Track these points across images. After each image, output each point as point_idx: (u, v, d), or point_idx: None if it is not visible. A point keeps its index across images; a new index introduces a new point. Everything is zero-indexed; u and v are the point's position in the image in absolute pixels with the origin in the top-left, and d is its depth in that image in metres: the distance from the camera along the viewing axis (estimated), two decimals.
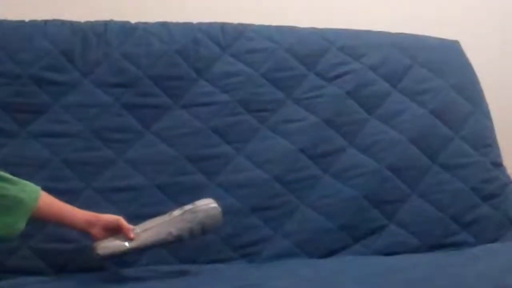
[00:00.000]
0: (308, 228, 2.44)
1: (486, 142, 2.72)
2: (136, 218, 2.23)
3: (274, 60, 2.62)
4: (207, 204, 2.12)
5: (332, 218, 2.46)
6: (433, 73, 2.76)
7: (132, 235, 2.03)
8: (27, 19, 2.48)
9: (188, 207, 2.11)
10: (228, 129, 2.48)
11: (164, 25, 2.58)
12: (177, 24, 2.60)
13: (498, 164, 2.71)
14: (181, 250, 2.26)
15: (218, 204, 2.14)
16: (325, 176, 2.51)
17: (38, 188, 1.99)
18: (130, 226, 2.06)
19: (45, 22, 2.47)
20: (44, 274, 2.16)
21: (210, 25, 2.64)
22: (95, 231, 2.04)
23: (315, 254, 2.41)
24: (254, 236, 2.39)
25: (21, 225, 1.91)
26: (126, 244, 2.03)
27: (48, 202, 2.00)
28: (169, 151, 2.41)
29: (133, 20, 2.58)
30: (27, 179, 2.10)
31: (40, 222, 2.03)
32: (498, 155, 2.74)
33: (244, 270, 2.21)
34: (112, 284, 2.04)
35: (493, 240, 2.56)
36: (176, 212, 2.09)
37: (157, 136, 2.43)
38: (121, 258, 2.12)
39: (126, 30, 2.53)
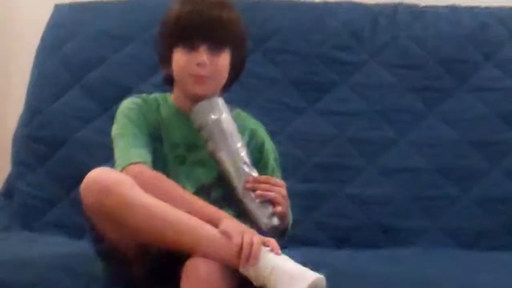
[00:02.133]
0: None
1: None
2: (415, 199, 2.28)
3: None
4: None
5: None
6: None
7: None
8: (319, 0, 2.58)
9: None
10: None
11: (453, 9, 2.57)
12: (466, 8, 2.58)
13: None
14: (462, 234, 2.27)
15: None
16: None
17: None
18: None
19: (337, 3, 2.56)
20: (326, 246, 2.25)
21: (499, 9, 2.58)
22: None
23: None
24: None
25: None
26: None
27: None
28: (452, 134, 2.40)
29: (422, 3, 2.59)
30: (312, 154, 2.24)
31: None
32: None
33: None
34: (387, 262, 2.06)
35: None
36: None
37: (440, 119, 2.42)
38: None
39: (415, 13, 2.55)
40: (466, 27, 2.52)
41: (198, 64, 1.83)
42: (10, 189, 2.38)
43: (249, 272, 1.60)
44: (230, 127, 1.82)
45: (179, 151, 1.88)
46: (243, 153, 1.81)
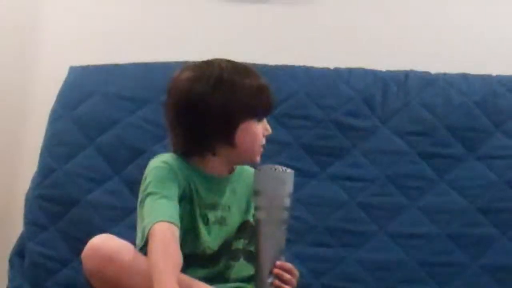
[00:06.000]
0: None
1: None
2: (424, 265, 2.28)
3: None
4: None
5: None
6: None
7: None
8: (331, 66, 2.61)
9: None
10: None
11: (464, 76, 2.59)
12: (477, 76, 2.60)
13: None
14: None
15: None
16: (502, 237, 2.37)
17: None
18: None
19: (349, 69, 2.59)
20: None
21: (511, 78, 2.60)
22: None
23: None
24: None
25: None
26: None
27: None
28: (461, 201, 2.40)
29: (433, 70, 2.61)
30: (323, 218, 2.21)
31: None
32: None
33: None
34: None
35: None
36: None
37: (450, 185, 2.43)
38: None
39: (426, 80, 2.58)
40: (477, 95, 2.54)
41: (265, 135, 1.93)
42: (22, 249, 2.39)
43: None
44: (288, 206, 1.83)
45: (204, 211, 1.87)
46: (284, 238, 1.82)
